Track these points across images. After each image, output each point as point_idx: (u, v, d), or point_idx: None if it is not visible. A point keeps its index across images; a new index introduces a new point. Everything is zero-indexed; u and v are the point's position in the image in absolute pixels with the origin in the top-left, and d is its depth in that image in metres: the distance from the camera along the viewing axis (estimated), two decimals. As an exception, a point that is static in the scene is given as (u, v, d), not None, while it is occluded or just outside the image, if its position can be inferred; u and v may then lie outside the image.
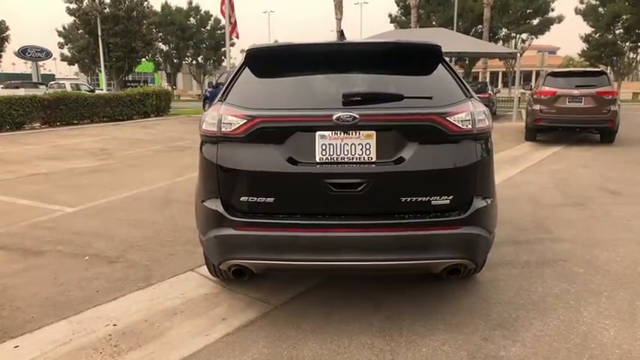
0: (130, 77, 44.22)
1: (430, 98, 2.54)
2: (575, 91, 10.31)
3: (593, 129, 10.73)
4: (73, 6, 29.52)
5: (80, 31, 31.95)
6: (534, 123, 10.71)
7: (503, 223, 4.61)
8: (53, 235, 4.38)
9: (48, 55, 31.79)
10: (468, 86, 2.72)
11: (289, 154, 2.49)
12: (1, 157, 9.27)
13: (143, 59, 38.06)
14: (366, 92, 2.54)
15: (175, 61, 51.30)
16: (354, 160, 2.46)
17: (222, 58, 57.70)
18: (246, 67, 2.82)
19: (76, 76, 49.20)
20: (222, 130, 2.56)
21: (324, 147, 2.47)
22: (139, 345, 2.59)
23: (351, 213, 2.48)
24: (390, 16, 40.65)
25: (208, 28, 48.97)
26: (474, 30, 35.78)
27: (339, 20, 28.42)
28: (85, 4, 29.94)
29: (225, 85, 2.78)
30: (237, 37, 26.69)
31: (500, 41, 39.09)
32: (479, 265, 3.02)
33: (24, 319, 2.85)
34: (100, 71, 32.80)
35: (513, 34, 37.93)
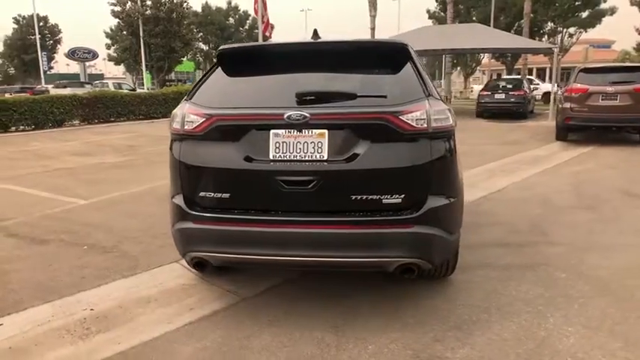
0: (173, 76, 45.73)
1: (385, 97, 2.55)
2: (610, 88, 9.78)
3: (630, 128, 10.18)
4: (117, 8, 30.94)
5: (124, 32, 33.36)
6: (564, 122, 10.26)
7: (499, 224, 4.53)
8: (60, 225, 4.68)
9: (95, 55, 33.44)
10: (429, 85, 2.69)
11: (245, 151, 2.57)
12: (38, 152, 9.90)
13: (184, 59, 39.28)
14: (319, 91, 2.58)
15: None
16: (307, 159, 2.51)
17: (261, 56, 58.26)
18: (219, 67, 2.93)
19: (123, 76, 51.44)
20: (185, 128, 2.68)
21: (277, 145, 2.54)
22: (107, 329, 2.75)
23: (303, 210, 2.53)
24: (428, 12, 39.99)
25: (246, 27, 49.90)
26: (516, 25, 34.58)
27: (373, 17, 28.22)
28: (128, 6, 31.29)
29: (194, 84, 2.90)
30: (270, 35, 27.04)
31: (545, 36, 37.58)
32: (440, 266, 2.99)
33: (14, 300, 3.09)
34: (144, 71, 34.20)
35: (560, 29, 36.37)
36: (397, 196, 2.48)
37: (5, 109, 12.77)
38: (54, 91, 22.10)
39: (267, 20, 25.55)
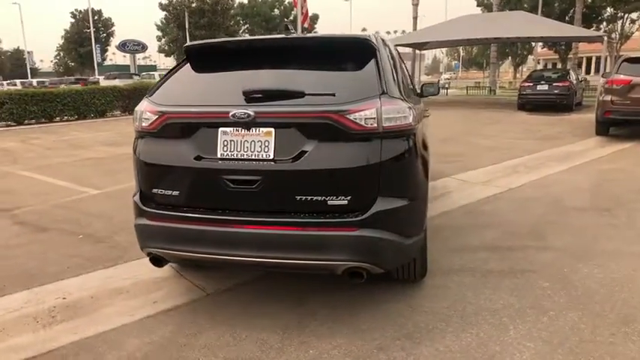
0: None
1: (333, 95, 2.46)
2: (657, 80, 9.03)
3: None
4: (164, 1, 31.94)
5: (170, 25, 34.42)
6: (604, 116, 9.56)
7: (496, 226, 4.31)
8: (66, 214, 4.91)
9: (144, 47, 34.72)
10: (389, 82, 2.56)
11: (195, 149, 2.56)
12: (73, 141, 10.45)
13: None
14: (266, 89, 2.53)
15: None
16: (253, 157, 2.47)
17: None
18: (187, 64, 2.95)
19: (173, 67, 52.83)
20: (142, 125, 2.71)
21: (225, 143, 2.52)
22: (71, 318, 2.86)
23: (248, 210, 2.50)
24: (476, -1, 38.51)
25: (291, 18, 50.10)
26: (572, 11, 32.60)
27: (415, 6, 27.51)
28: (175, -1, 32.26)
29: (158, 81, 2.92)
30: (309, 26, 27.05)
31: (604, 23, 35.22)
32: (402, 271, 2.90)
33: (-2, 287, 3.29)
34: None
35: (621, 14, 33.98)
36: (343, 197, 2.40)
37: (50, 101, 13.57)
38: (105, 83, 23.17)
39: (307, 12, 25.62)
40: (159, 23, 41.25)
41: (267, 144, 2.46)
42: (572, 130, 11.22)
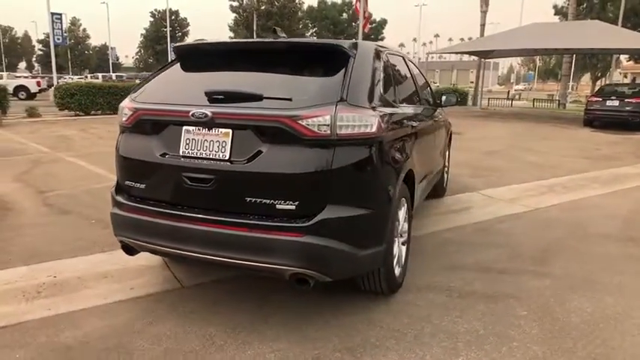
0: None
1: (290, 100, 2.46)
2: None
3: None
4: (235, 3, 33.25)
5: (239, 26, 35.74)
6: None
7: (501, 246, 4.09)
8: (91, 199, 5.28)
9: (213, 47, 36.29)
10: (354, 89, 2.52)
11: (162, 145, 2.68)
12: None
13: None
14: (225, 91, 2.57)
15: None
16: (210, 157, 2.54)
17: (371, 52, 57.95)
18: (174, 64, 3.09)
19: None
20: (122, 120, 2.88)
21: (187, 142, 2.60)
22: (53, 295, 3.08)
23: (202, 207, 2.57)
24: (554, 7, 36.44)
25: (358, 22, 50.13)
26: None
27: (483, 13, 26.60)
28: (244, 1, 33.42)
29: (144, 79, 3.08)
30: (369, 31, 27.01)
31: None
32: (367, 283, 2.83)
33: (3, 260, 3.60)
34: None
35: None
36: (291, 202, 2.40)
37: (115, 94, 14.68)
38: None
39: (368, 17, 25.61)
40: (231, 24, 43.08)
41: (224, 144, 2.51)
42: (636, 150, 10.31)
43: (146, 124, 2.75)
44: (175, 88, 2.90)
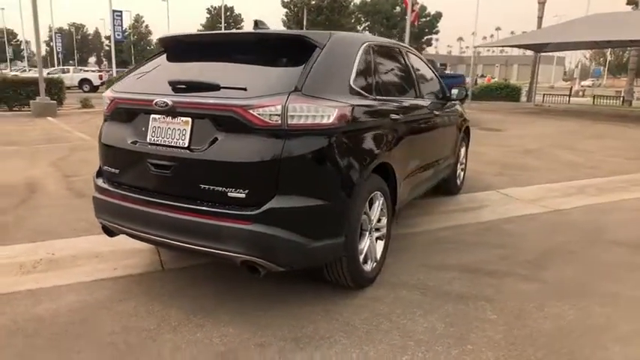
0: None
1: (244, 89, 2.48)
2: None
3: None
4: (286, -1, 33.64)
5: (290, 21, 36.10)
6: None
7: (497, 247, 3.94)
8: (109, 185, 5.58)
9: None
10: (313, 80, 2.51)
11: (134, 132, 2.80)
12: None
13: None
14: (186, 80, 2.64)
15: (379, 48, 52.85)
16: (172, 144, 2.62)
17: (424, 46, 57.04)
18: (158, 55, 3.21)
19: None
20: (104, 108, 3.03)
21: (154, 130, 2.70)
22: (46, 271, 3.31)
23: (163, 193, 2.66)
24: (626, -4, 33.81)
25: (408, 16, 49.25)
26: None
27: (541, 4, 25.20)
28: (296, -4, 33.75)
29: (129, 69, 3.22)
30: (417, 24, 26.40)
31: None
32: (331, 275, 2.81)
33: (12, 237, 3.91)
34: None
35: None
36: (241, 191, 2.43)
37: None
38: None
39: (417, 10, 25.08)
40: (284, 19, 43.65)
41: (184, 132, 2.59)
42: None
43: (122, 113, 2.88)
44: (151, 78, 3.01)
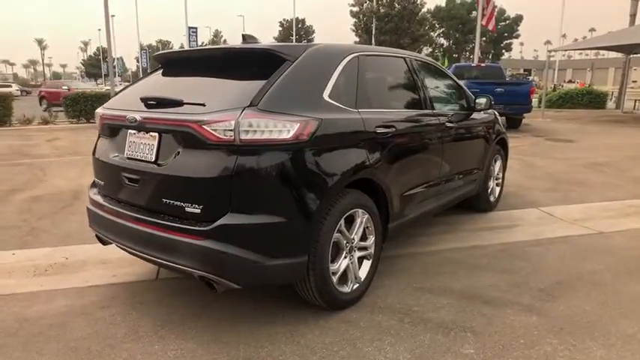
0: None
1: (203, 105, 2.49)
2: None
3: None
4: (355, 9, 33.73)
5: (359, 30, 36.15)
6: None
7: (509, 273, 3.62)
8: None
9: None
10: (271, 95, 2.46)
11: (115, 147, 2.94)
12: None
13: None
14: (153, 97, 2.70)
15: (454, 55, 51.46)
16: (142, 159, 2.71)
17: (503, 52, 54.27)
18: (159, 71, 3.35)
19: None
20: (97, 123, 3.21)
21: (129, 144, 2.81)
22: (55, 274, 3.56)
23: (134, 205, 2.74)
24: None
25: (483, 19, 47.26)
26: None
27: (635, 1, 22.92)
28: (364, 6, 33.71)
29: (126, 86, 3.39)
30: (493, 29, 25.16)
31: None
32: (306, 293, 2.73)
33: (42, 241, 4.26)
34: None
35: None
36: (197, 206, 2.44)
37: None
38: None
39: (491, 13, 23.94)
40: (353, 29, 43.89)
41: (152, 147, 2.66)
42: None
43: (107, 128, 3.03)
44: (136, 94, 3.13)
